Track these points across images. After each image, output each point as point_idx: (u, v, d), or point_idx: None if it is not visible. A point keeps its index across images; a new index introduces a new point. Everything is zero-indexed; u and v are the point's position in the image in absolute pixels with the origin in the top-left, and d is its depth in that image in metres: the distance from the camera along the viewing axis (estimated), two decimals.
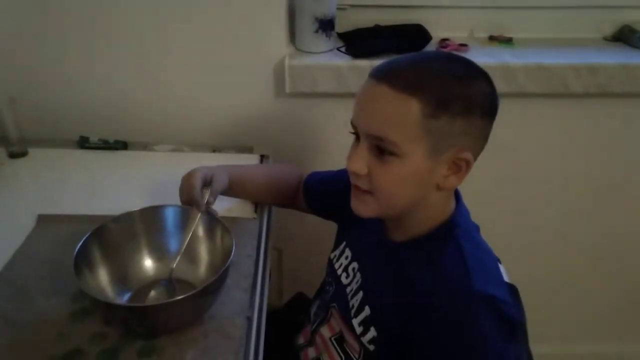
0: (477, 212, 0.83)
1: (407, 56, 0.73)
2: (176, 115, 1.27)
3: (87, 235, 0.79)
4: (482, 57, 1.20)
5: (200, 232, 0.86)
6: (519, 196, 1.43)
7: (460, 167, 0.71)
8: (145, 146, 1.23)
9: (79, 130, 1.22)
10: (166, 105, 1.26)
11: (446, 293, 0.69)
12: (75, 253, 0.75)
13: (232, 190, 0.97)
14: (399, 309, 0.73)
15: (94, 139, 1.20)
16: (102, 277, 0.81)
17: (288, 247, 1.35)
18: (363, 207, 0.77)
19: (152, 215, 0.86)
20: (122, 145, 1.21)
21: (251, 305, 0.83)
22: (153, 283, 0.84)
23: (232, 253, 0.77)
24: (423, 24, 1.28)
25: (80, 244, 0.77)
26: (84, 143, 1.20)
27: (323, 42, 1.23)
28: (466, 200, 0.81)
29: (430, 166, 0.70)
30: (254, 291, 0.86)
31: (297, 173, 1.06)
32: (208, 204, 0.86)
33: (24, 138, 1.16)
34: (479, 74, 0.71)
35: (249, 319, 0.81)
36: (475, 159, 0.72)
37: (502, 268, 0.77)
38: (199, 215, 0.84)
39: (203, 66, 1.22)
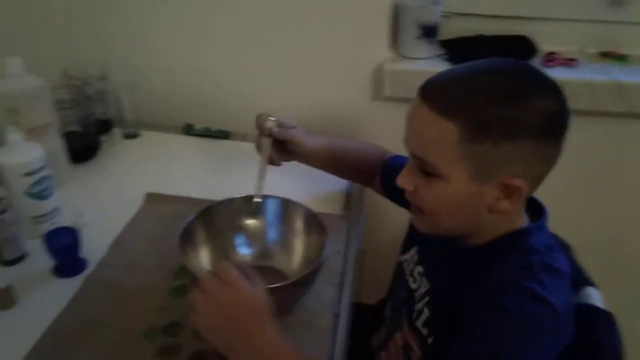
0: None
1: (457, 69, 0.70)
2: (272, 109, 1.31)
3: (193, 216, 0.84)
4: (591, 73, 1.16)
5: (298, 224, 0.90)
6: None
7: (513, 193, 0.67)
8: (244, 137, 1.28)
9: (186, 117, 1.30)
10: (264, 98, 1.30)
11: (502, 285, 0.67)
12: (180, 232, 0.81)
13: (315, 156, 0.98)
14: (459, 309, 0.71)
15: (198, 126, 1.28)
16: (203, 257, 0.86)
17: (371, 248, 1.36)
18: (417, 223, 0.78)
19: (254, 204, 0.90)
20: (224, 135, 1.27)
21: (339, 302, 0.85)
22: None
23: (325, 247, 0.80)
24: (530, 36, 1.25)
25: (186, 223, 0.82)
26: (189, 130, 1.28)
27: (425, 49, 1.23)
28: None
29: (477, 190, 0.67)
30: (343, 288, 0.89)
31: (380, 152, 1.04)
32: (270, 129, 0.91)
33: (138, 121, 1.26)
34: (538, 90, 0.66)
35: (337, 316, 0.83)
36: (537, 182, 0.69)
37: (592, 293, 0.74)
38: (269, 142, 0.90)
39: (302, 63, 1.26)
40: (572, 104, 0.68)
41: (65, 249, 0.85)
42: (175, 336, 0.78)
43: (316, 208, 1.00)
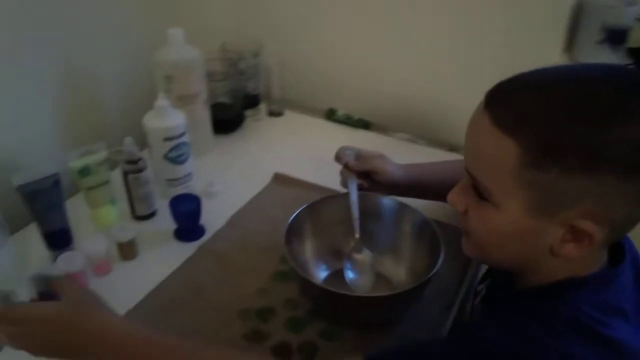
0: None
1: (543, 72, 0.54)
2: (415, 106, 1.24)
3: (301, 208, 0.83)
4: None
5: (408, 229, 0.84)
6: None
7: (582, 238, 0.53)
8: (384, 129, 1.24)
9: (330, 102, 1.29)
10: (407, 94, 1.24)
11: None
12: (288, 222, 0.79)
13: (402, 184, 0.90)
14: None
15: (340, 112, 1.26)
16: (308, 250, 0.84)
17: None
18: (464, 246, 0.65)
19: (368, 203, 0.86)
20: (364, 125, 1.24)
21: (443, 324, 0.78)
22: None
23: (439, 264, 0.73)
24: None
25: (294, 214, 0.81)
26: (330, 115, 1.27)
27: (606, 56, 1.06)
28: None
29: (535, 226, 0.54)
30: (451, 310, 0.81)
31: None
32: (347, 161, 0.88)
33: (284, 100, 1.28)
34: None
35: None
36: (622, 227, 0.54)
37: None
38: (353, 177, 0.86)
39: (459, 59, 1.16)
40: None
41: (186, 215, 0.89)
42: (266, 322, 0.78)
43: (434, 215, 0.92)
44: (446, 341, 0.60)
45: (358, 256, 0.83)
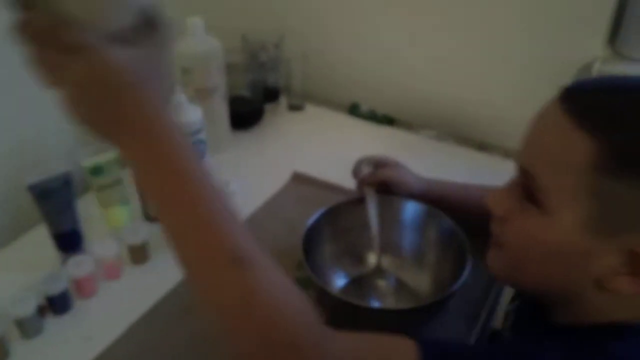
0: None
1: (629, 78, 0.49)
2: (442, 103, 1.18)
3: (321, 212, 0.78)
4: None
5: (433, 235, 0.79)
6: None
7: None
8: (409, 126, 1.18)
9: (354, 96, 1.24)
10: (434, 90, 1.18)
11: None
12: (306, 227, 0.75)
13: (420, 197, 0.83)
14: None
15: (364, 108, 1.20)
16: (326, 256, 0.80)
17: None
18: (491, 261, 0.58)
19: (387, 206, 0.81)
20: (388, 121, 1.18)
21: (468, 335, 0.73)
22: (375, 274, 0.80)
23: (465, 275, 0.68)
24: None
25: (313, 219, 0.77)
26: (353, 110, 1.21)
27: None
28: None
29: (588, 246, 0.47)
30: (477, 320, 0.76)
31: (478, 196, 0.84)
32: (363, 176, 0.82)
33: (305, 93, 1.23)
34: None
35: None
36: None
37: None
38: (372, 191, 0.81)
39: (489, 55, 1.09)
40: None
41: None
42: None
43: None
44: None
45: (380, 282, 0.78)
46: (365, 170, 0.83)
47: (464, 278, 0.67)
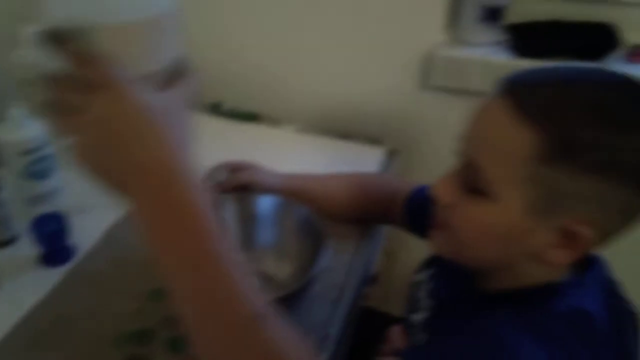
0: None
1: (561, 69, 0.54)
2: (304, 93, 1.20)
3: None
4: None
5: (290, 225, 0.81)
6: None
7: (575, 243, 0.52)
8: (273, 120, 1.19)
9: (215, 96, 1.22)
10: (295, 81, 1.20)
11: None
12: None
13: (277, 194, 0.85)
14: None
15: (226, 106, 1.20)
16: None
17: (402, 251, 1.24)
18: (435, 241, 0.63)
19: (244, 204, 0.83)
20: (251, 117, 1.19)
21: (331, 321, 0.76)
22: None
23: (323, 261, 0.71)
24: (613, 24, 1.03)
25: None
26: (215, 109, 1.20)
27: (486, 33, 1.07)
28: None
29: (529, 226, 0.53)
30: (338, 304, 0.79)
31: (390, 187, 0.89)
32: (218, 183, 0.83)
33: None
34: None
35: (327, 337, 0.74)
36: (604, 239, 0.53)
37: None
38: (224, 200, 0.82)
39: (341, 42, 1.13)
40: None
41: (48, 236, 0.81)
42: (146, 345, 0.72)
43: None
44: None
45: None
46: (220, 176, 0.84)
47: (323, 263, 0.70)
